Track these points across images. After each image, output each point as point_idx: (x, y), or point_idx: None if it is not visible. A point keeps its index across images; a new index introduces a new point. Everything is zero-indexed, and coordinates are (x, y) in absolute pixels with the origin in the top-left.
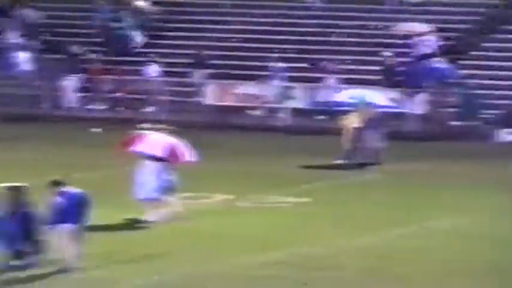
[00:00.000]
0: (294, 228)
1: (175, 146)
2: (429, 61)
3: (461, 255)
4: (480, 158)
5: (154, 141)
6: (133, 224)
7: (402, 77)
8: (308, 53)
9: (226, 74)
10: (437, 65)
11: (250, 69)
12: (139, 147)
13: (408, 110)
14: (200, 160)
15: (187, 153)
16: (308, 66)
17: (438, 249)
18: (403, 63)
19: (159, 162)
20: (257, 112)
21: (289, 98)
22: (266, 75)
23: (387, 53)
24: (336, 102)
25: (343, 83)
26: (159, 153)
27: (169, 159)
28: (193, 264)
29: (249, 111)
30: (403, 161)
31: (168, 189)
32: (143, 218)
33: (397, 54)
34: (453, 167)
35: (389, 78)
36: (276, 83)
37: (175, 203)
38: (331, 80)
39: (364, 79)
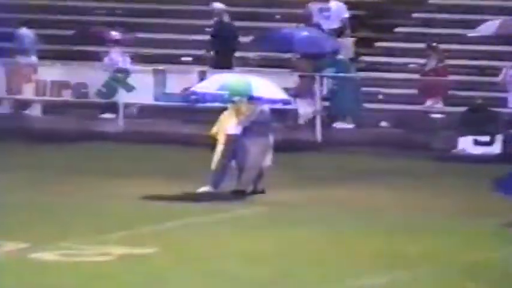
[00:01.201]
0: None
1: None
2: (299, 28)
3: None
4: (422, 181)
5: None
6: None
7: (256, 43)
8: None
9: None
10: (310, 34)
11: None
12: None
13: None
14: None
15: None
16: (75, 34)
17: None
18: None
19: None
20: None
21: (124, 87)
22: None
23: (218, 4)
24: (199, 94)
25: (142, 60)
26: None
27: None
28: None
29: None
30: (300, 186)
31: None
32: None
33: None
34: (374, 196)
35: (221, 47)
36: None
37: None
38: (115, 54)
39: (189, 54)
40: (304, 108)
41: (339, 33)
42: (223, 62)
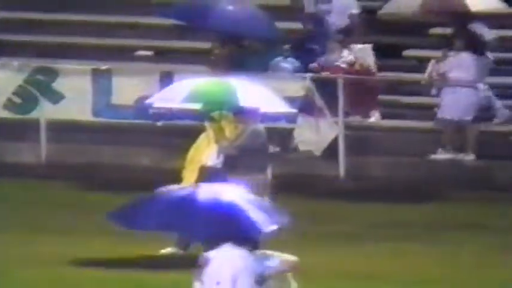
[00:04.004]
0: None
1: None
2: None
3: None
4: None
5: None
6: None
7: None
8: None
9: None
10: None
11: None
12: None
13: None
14: None
15: None
16: None
17: None
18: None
19: None
20: None
21: (48, 96)
22: None
23: None
24: (161, 107)
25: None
26: None
27: None
28: None
29: None
30: (311, 247)
31: None
32: None
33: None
34: (425, 267)
35: None
36: None
37: None
38: None
39: None
40: (301, 131)
41: (345, 34)
42: None
